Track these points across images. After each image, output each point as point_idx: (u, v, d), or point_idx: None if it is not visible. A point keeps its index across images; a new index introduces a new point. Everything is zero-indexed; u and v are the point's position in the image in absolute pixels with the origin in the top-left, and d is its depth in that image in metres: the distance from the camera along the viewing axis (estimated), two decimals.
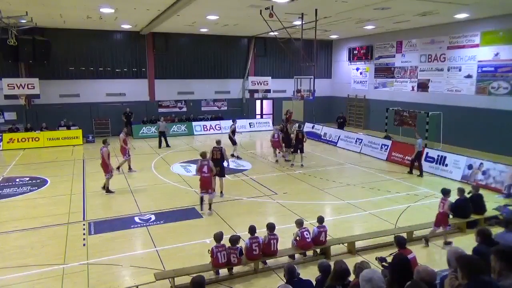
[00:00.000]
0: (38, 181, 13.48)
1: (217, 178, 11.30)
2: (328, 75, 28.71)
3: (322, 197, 11.82)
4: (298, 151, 15.33)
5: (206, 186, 10.15)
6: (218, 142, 11.71)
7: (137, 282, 6.64)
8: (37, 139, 19.87)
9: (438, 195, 11.66)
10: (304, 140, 15.35)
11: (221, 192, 11.62)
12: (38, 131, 20.27)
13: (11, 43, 16.90)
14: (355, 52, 25.92)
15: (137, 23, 19.95)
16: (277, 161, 16.39)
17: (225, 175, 12.03)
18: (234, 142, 17.04)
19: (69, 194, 11.93)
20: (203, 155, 10.41)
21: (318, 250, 7.87)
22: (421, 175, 13.89)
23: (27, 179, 13.70)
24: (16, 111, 21.01)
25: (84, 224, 9.54)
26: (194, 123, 23.94)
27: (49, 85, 21.15)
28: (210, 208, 10.26)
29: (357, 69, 26.08)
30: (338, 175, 14.35)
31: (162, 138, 19.60)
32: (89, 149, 19.21)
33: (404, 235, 8.27)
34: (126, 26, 20.77)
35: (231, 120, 18.56)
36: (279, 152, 16.68)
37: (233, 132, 17.06)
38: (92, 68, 22.40)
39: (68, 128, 21.10)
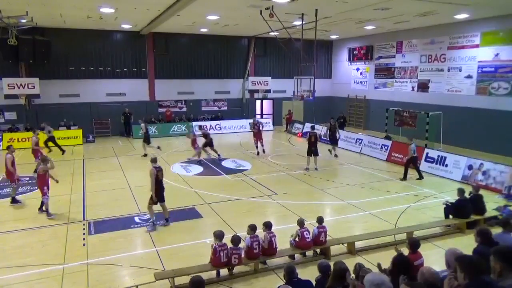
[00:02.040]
0: None
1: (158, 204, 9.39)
2: (328, 75, 28.71)
3: (322, 197, 11.82)
4: (312, 154, 15.04)
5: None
6: (155, 160, 9.49)
7: (137, 282, 6.63)
8: None
9: (438, 196, 11.76)
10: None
11: (166, 218, 9.50)
12: (38, 131, 20.19)
13: (11, 43, 16.93)
14: (355, 52, 25.91)
15: (137, 23, 19.96)
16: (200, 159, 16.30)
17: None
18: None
19: (69, 194, 11.94)
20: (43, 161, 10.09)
21: (318, 250, 7.87)
22: (420, 178, 13.54)
23: (27, 179, 13.68)
24: (16, 111, 21.04)
25: (84, 224, 9.54)
26: (194, 123, 23.94)
27: (49, 85, 21.16)
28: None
29: (357, 69, 26.07)
30: (338, 175, 14.36)
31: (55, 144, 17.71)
32: (89, 149, 19.22)
33: (404, 235, 8.32)
34: (126, 26, 20.78)
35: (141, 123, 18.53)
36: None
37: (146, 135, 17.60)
38: (92, 68, 22.41)
39: (68, 128, 21.11)
